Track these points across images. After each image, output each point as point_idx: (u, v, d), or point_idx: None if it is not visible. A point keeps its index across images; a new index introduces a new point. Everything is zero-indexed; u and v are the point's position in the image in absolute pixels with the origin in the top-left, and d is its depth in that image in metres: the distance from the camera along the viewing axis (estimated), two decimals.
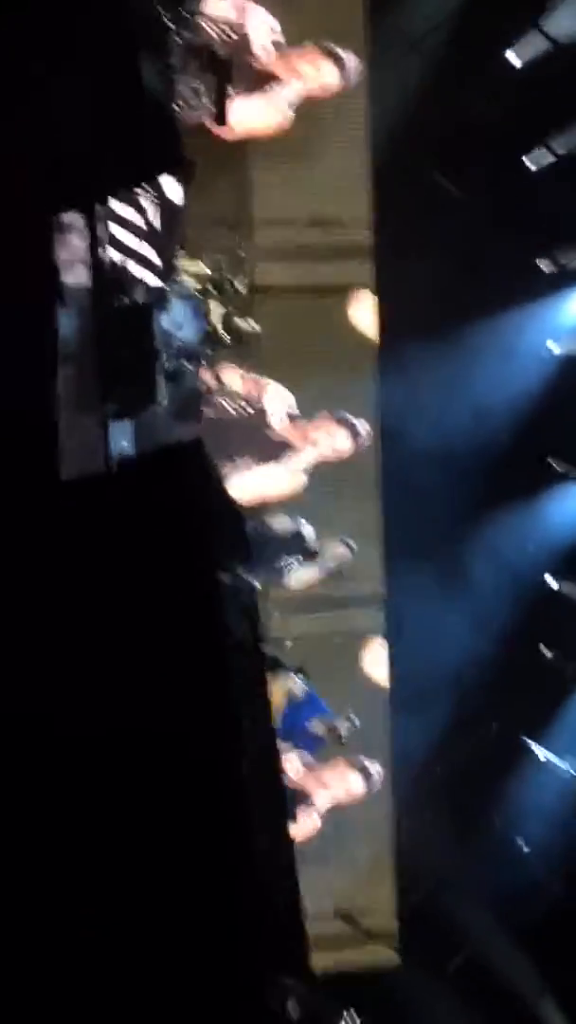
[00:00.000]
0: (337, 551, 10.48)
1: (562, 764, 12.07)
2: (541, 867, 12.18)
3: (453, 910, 11.30)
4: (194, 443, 3.54)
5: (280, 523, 10.37)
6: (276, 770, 3.29)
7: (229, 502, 3.51)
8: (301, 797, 10.45)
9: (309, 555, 10.20)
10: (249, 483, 10.33)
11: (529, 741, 12.07)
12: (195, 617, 3.00)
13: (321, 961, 11.03)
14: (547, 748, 12.09)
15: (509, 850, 12.02)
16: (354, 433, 10.46)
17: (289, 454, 10.44)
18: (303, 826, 10.58)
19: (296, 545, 10.21)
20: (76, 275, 6.10)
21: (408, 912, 11.14)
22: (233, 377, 9.68)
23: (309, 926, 11.51)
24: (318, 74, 10.02)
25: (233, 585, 3.25)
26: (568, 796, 12.01)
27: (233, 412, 10.19)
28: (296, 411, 10.41)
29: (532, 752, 12.09)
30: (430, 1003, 11.11)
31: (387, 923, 11.18)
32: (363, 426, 10.52)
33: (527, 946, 11.58)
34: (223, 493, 3.47)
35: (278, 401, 10.36)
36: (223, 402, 10.04)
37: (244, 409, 10.23)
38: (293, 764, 10.13)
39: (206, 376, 9.24)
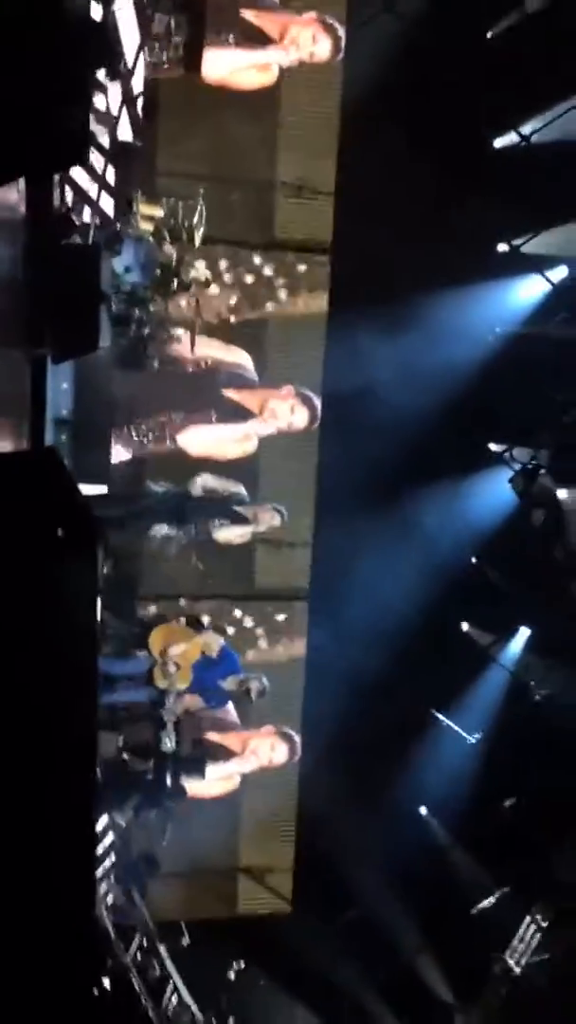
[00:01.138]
0: (267, 517, 10.47)
1: (464, 733, 12.25)
2: (436, 830, 12.43)
3: (349, 869, 11.48)
4: (48, 451, 3.48)
5: (216, 485, 10.29)
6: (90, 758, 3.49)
7: (82, 514, 3.55)
8: (222, 756, 10.54)
9: (240, 520, 10.16)
10: (200, 439, 10.14)
11: (433, 711, 12.17)
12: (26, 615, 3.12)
13: (221, 911, 11.30)
14: (456, 717, 12.20)
15: (407, 814, 12.25)
16: (313, 413, 10.38)
17: (245, 420, 10.25)
18: (221, 786, 10.70)
19: (229, 508, 10.15)
20: (9, 205, 5.58)
21: (305, 869, 11.28)
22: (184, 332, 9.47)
23: (210, 879, 11.63)
24: (313, 46, 9.86)
25: (76, 584, 3.27)
26: (468, 763, 12.22)
27: (189, 368, 10.06)
28: (255, 375, 10.30)
29: (437, 720, 12.16)
30: (319, 954, 11.36)
31: (285, 879, 11.28)
32: (318, 404, 10.38)
33: (413, 904, 11.85)
34: (75, 505, 3.49)
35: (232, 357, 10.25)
36: (177, 356, 9.88)
37: (199, 365, 10.10)
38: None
39: (159, 329, 9.02)
